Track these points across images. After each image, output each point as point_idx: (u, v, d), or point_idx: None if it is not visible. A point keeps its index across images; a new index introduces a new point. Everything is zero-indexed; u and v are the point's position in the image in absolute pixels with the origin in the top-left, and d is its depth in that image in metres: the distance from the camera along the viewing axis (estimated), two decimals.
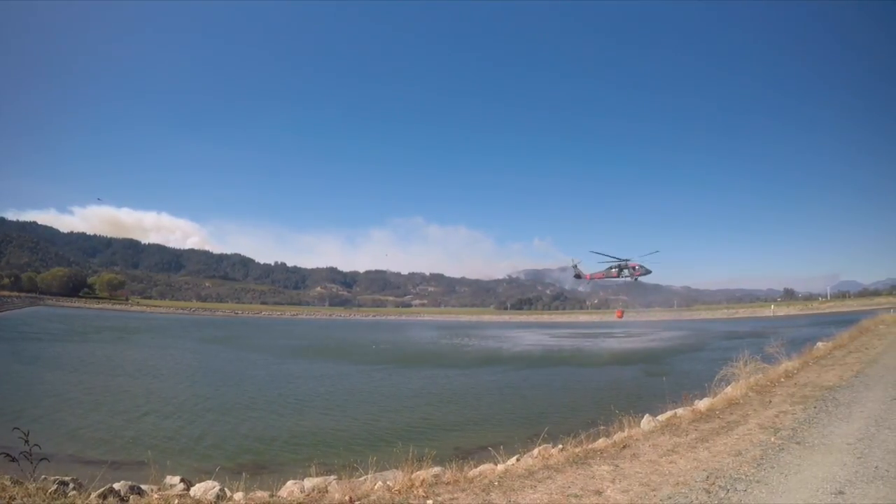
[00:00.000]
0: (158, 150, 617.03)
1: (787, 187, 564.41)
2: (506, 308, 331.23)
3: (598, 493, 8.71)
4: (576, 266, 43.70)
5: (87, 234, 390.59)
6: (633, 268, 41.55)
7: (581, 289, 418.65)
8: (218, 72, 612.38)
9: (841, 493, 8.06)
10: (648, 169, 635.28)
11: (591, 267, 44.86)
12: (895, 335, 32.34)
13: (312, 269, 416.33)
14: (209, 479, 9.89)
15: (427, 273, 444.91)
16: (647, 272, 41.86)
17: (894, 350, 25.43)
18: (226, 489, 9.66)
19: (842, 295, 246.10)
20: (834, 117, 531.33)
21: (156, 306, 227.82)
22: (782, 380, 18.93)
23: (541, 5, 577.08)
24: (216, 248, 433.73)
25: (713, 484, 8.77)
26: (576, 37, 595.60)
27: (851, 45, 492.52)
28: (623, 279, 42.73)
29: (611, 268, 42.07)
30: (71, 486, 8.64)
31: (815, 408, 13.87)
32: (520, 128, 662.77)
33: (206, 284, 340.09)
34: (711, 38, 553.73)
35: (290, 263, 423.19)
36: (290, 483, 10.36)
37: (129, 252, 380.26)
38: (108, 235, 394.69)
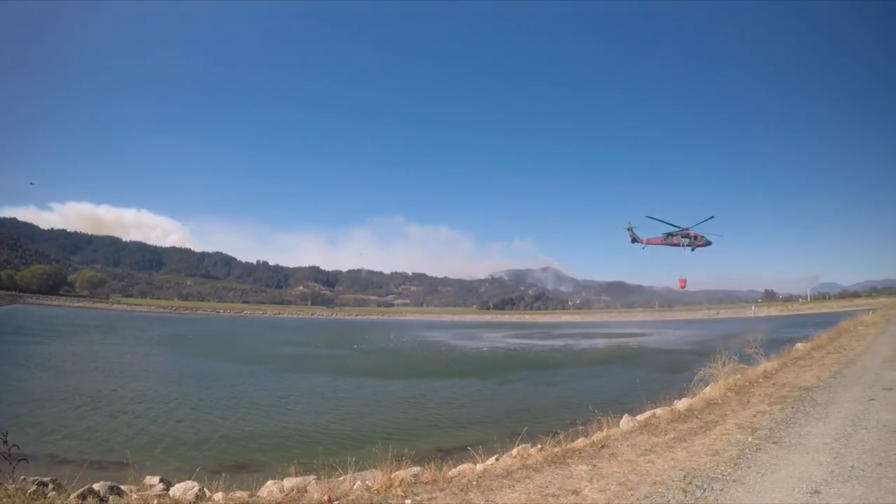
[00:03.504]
0: (138, 146, 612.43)
1: (768, 189, 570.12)
2: (488, 308, 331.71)
3: (576, 492, 8.73)
4: (631, 230, 41.42)
5: (68, 231, 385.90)
6: (695, 237, 39.34)
7: (563, 289, 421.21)
8: (201, 70, 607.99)
9: (817, 492, 8.11)
10: (628, 170, 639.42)
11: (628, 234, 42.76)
12: (873, 336, 32.74)
13: (294, 268, 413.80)
14: (189, 478, 9.84)
15: (410, 273, 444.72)
16: (708, 243, 39.55)
17: (872, 351, 25.74)
18: (205, 489, 9.57)
19: (822, 296, 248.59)
20: (816, 122, 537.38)
21: (137, 305, 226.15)
22: (761, 380, 19.12)
23: (524, 8, 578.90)
24: (197, 247, 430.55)
25: (690, 483, 8.81)
26: (557, 40, 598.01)
27: (839, 47, 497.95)
28: (682, 248, 40.14)
29: (671, 234, 39.53)
30: (50, 486, 8.61)
31: (792, 408, 14.00)
32: (499, 129, 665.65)
33: (188, 283, 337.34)
34: (692, 40, 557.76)
35: (271, 262, 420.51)
36: (269, 483, 10.29)
37: (110, 250, 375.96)
38: (89, 233, 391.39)
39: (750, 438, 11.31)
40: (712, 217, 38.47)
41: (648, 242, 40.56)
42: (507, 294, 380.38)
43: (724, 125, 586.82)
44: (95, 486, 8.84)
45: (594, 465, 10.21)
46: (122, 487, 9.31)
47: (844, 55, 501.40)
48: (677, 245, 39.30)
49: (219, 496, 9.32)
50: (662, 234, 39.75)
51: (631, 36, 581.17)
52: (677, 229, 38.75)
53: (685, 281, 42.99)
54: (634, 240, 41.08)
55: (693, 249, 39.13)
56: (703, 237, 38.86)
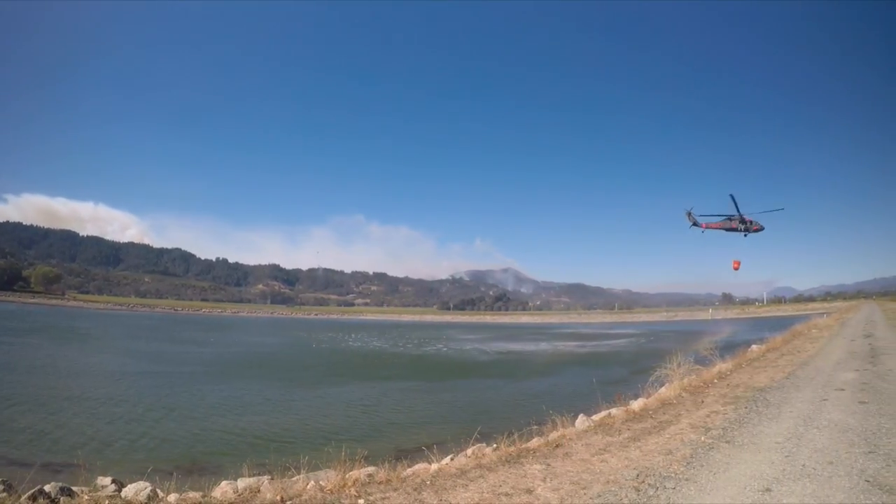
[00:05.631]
0: (96, 138, 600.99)
1: (726, 195, 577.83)
2: (449, 308, 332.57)
3: (529, 491, 8.71)
4: (690, 214, 40.86)
5: (24, 224, 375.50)
6: (750, 222, 38.85)
7: (523, 290, 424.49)
8: (163, 65, 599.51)
9: (768, 490, 8.16)
10: (592, 174, 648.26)
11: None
12: (827, 339, 33.40)
13: (255, 266, 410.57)
14: (141, 479, 9.68)
15: (370, 272, 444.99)
16: (762, 229, 39.34)
17: (825, 354, 26.17)
18: (157, 490, 9.48)
19: (777, 300, 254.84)
20: (776, 130, 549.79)
21: (93, 301, 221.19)
22: (715, 381, 19.37)
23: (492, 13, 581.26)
24: (156, 242, 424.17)
25: (643, 482, 8.83)
26: (520, 38, 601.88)
27: (811, 47, 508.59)
28: (739, 232, 39.65)
29: (730, 218, 39.14)
30: (0, 487, 8.45)
31: (745, 408, 14.16)
32: (459, 131, 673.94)
33: (146, 280, 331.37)
34: (666, 42, 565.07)
35: (231, 259, 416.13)
36: (223, 483, 10.13)
37: (67, 244, 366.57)
38: (45, 226, 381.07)
39: (703, 438, 11.40)
40: (782, 209, 38.90)
41: (708, 227, 40.24)
42: (468, 294, 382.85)
43: (685, 131, 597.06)
44: (46, 488, 8.72)
45: (548, 465, 10.22)
46: (74, 489, 9.18)
47: (810, 54, 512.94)
48: (735, 230, 39.00)
49: (172, 497, 9.25)
50: (723, 218, 39.42)
51: (602, 40, 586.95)
52: (735, 215, 38.56)
53: (739, 262, 42.95)
54: (694, 224, 40.76)
55: (746, 235, 38.87)
56: (757, 222, 38.55)
